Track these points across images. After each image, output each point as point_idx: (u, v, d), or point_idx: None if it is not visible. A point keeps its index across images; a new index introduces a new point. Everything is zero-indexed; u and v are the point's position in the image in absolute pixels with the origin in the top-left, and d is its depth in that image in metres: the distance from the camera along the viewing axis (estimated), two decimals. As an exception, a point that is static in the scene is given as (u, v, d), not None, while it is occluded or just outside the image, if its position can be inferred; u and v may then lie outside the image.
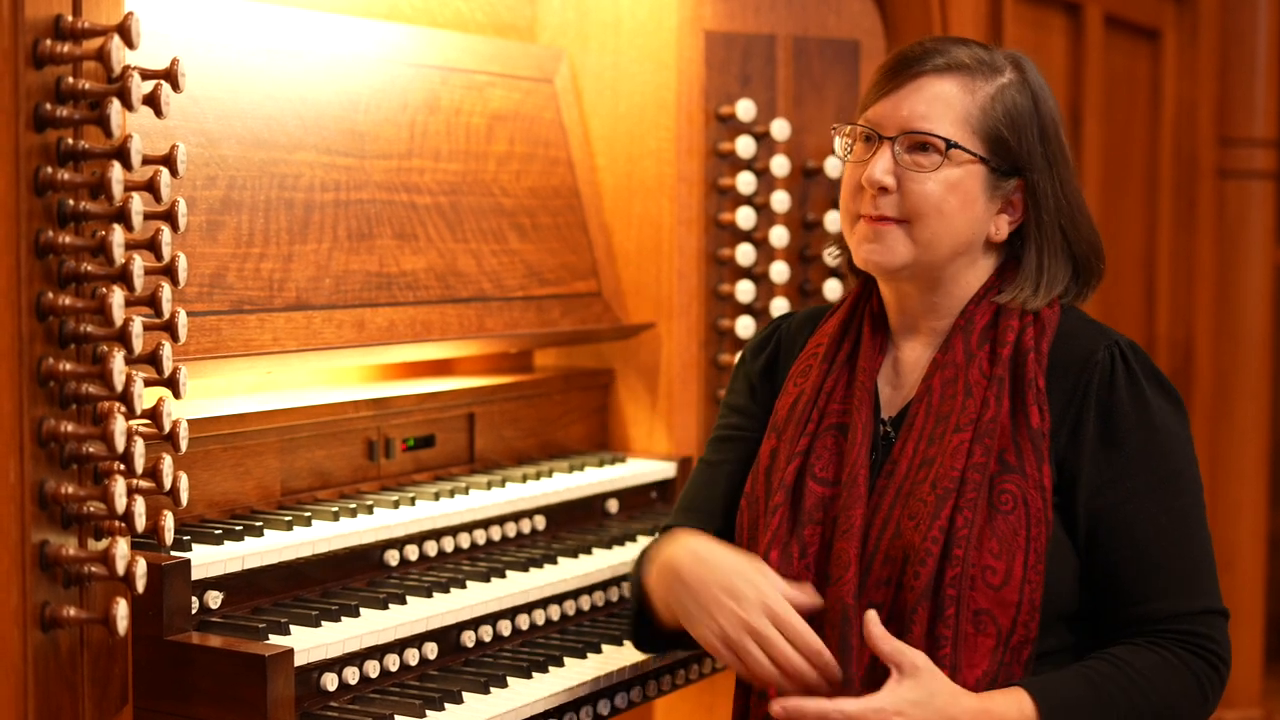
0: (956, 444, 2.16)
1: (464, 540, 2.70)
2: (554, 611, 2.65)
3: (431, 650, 2.41)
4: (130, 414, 1.79)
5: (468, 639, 2.49)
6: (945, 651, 2.09)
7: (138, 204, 1.77)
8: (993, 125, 2.23)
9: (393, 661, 2.35)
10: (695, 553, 2.21)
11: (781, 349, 2.47)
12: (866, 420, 2.25)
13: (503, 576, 2.62)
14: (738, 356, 2.54)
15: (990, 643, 2.10)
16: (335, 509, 2.52)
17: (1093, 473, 2.17)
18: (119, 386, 1.75)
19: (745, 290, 3.26)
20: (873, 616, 2.09)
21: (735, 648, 2.13)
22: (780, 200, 3.27)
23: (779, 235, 3.27)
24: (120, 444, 1.74)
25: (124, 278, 1.76)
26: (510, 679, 2.41)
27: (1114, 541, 2.16)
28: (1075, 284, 2.30)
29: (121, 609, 1.75)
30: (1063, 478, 2.18)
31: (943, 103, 2.22)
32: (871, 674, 2.12)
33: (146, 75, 1.80)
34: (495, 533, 2.76)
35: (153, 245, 1.84)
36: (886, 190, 2.22)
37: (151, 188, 1.82)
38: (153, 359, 1.85)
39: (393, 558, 2.57)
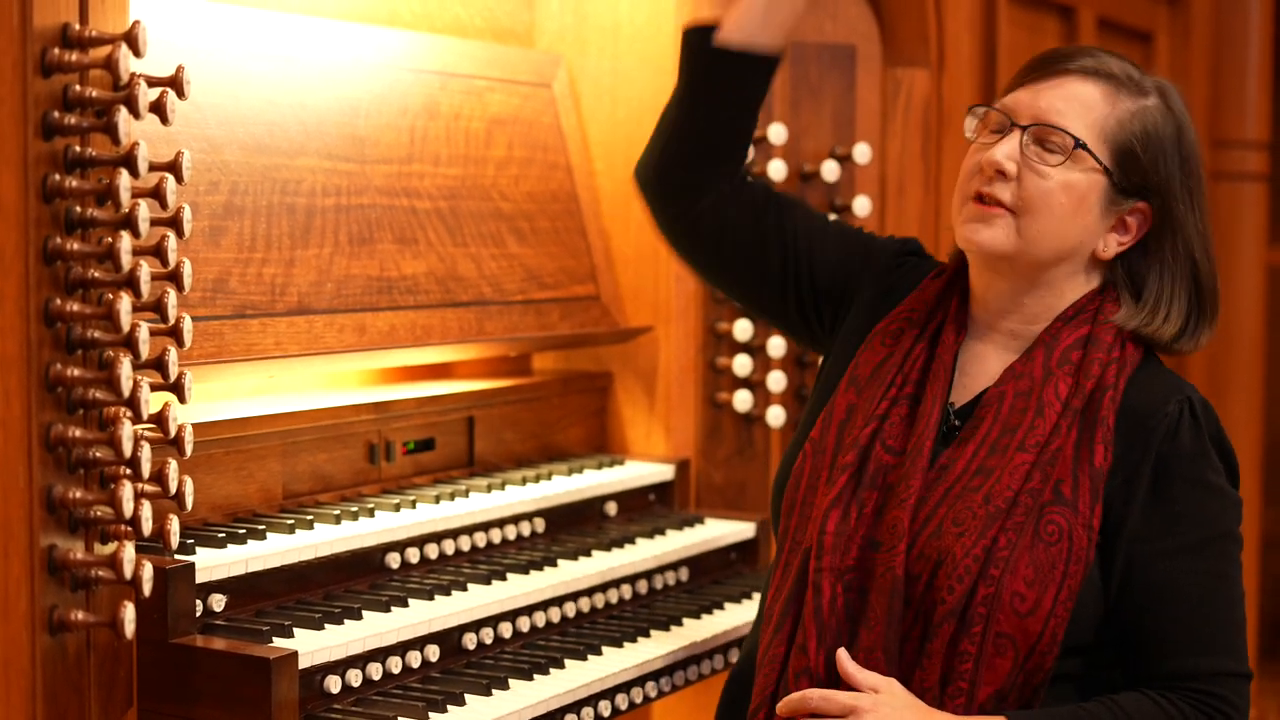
0: (1018, 463, 2.13)
1: (464, 543, 2.71)
2: (554, 614, 2.66)
3: (433, 652, 2.42)
4: (137, 419, 1.80)
5: (469, 641, 2.50)
6: (967, 667, 2.08)
7: (144, 211, 1.78)
8: (1126, 139, 2.18)
9: (395, 664, 2.36)
10: None
11: (903, 272, 2.42)
12: (939, 392, 2.22)
13: (503, 579, 2.64)
14: (886, 238, 2.50)
15: (1007, 665, 2.09)
16: (337, 512, 2.54)
17: (1138, 522, 2.13)
18: (126, 392, 1.76)
19: (743, 293, 3.27)
20: (843, 654, 2.11)
21: None
22: (777, 204, 3.28)
23: (776, 239, 3.28)
24: (128, 449, 1.76)
25: (131, 284, 1.77)
26: (512, 681, 2.42)
27: (1145, 594, 2.13)
28: (1192, 324, 2.23)
29: (129, 612, 1.77)
30: (1108, 521, 2.14)
31: (1081, 103, 2.18)
32: (909, 639, 2.14)
33: (152, 83, 1.81)
34: (495, 535, 2.78)
35: (158, 251, 1.85)
36: (1004, 175, 2.17)
37: (157, 194, 1.83)
38: (159, 364, 1.87)
39: (394, 560, 2.58)
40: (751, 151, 3.27)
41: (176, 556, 2.22)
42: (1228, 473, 2.19)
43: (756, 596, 2.95)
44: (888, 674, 2.11)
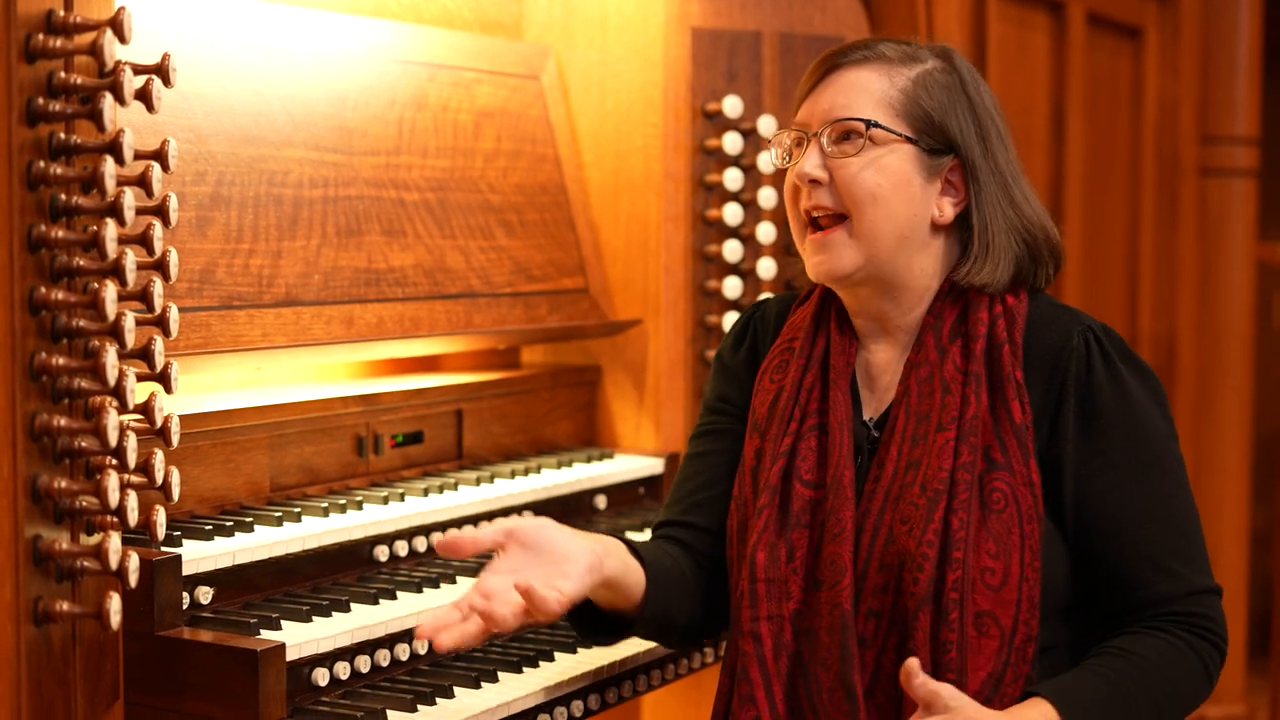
0: (942, 443, 2.15)
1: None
2: (543, 607, 2.65)
3: (422, 645, 2.41)
4: (122, 409, 1.79)
5: (458, 634, 2.49)
6: (951, 656, 2.08)
7: (130, 199, 1.77)
8: (915, 103, 2.22)
9: (383, 656, 2.35)
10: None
11: (759, 338, 2.44)
12: (843, 418, 2.23)
13: (492, 572, 2.63)
14: (714, 355, 2.52)
15: (994, 644, 2.10)
16: (325, 505, 2.52)
17: (1076, 463, 2.17)
18: (111, 381, 1.75)
19: (732, 286, 3.27)
20: (914, 665, 2.01)
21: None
22: (767, 196, 3.28)
23: (766, 231, 3.28)
24: (113, 439, 1.75)
25: (116, 272, 1.76)
26: (500, 673, 2.41)
27: (1102, 531, 2.16)
28: (1031, 265, 2.26)
29: (114, 604, 1.76)
30: (1047, 469, 2.17)
31: (860, 89, 2.22)
32: (875, 681, 2.12)
33: (138, 70, 1.80)
34: (484, 529, 2.76)
35: (144, 240, 1.84)
36: (819, 183, 2.22)
37: (143, 182, 1.83)
38: (144, 354, 1.85)
39: (382, 553, 2.57)
40: (742, 144, 3.28)
41: (163, 548, 2.21)
42: (1148, 389, 2.21)
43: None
44: (848, 710, 2.10)
